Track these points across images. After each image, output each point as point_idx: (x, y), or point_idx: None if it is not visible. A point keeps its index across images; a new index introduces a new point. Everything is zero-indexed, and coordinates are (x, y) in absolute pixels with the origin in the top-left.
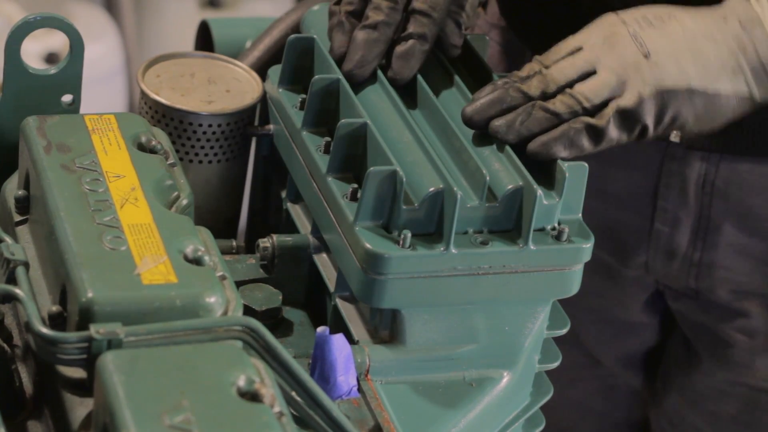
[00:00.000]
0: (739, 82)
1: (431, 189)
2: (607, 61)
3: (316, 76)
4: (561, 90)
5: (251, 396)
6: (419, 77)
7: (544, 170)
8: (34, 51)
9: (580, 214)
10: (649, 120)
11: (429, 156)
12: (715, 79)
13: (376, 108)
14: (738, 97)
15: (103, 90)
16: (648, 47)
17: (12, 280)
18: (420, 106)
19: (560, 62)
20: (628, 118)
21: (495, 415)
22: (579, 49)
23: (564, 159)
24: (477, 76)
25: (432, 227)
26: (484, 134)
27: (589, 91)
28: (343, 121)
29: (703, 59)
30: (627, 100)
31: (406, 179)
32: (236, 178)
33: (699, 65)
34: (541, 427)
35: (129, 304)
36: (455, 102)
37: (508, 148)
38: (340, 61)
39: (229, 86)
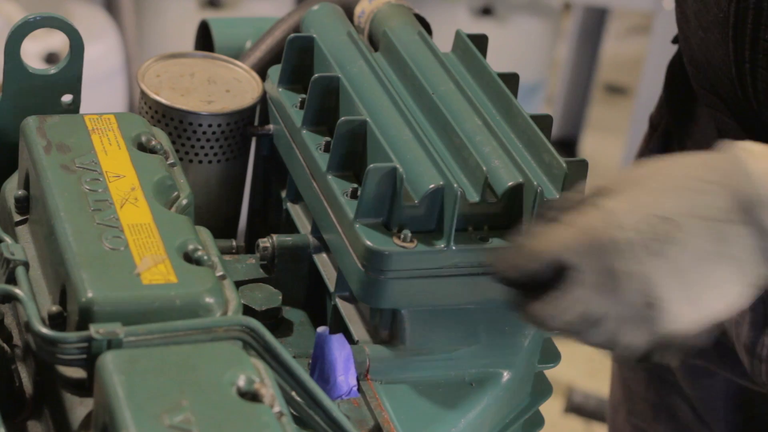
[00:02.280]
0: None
1: (431, 186)
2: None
3: (316, 75)
4: None
5: (251, 396)
6: (419, 75)
7: (544, 167)
8: (34, 51)
9: None
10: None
11: (429, 153)
12: (729, 311)
13: (375, 106)
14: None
15: (103, 90)
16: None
17: (12, 280)
18: (419, 103)
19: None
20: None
21: (495, 415)
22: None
23: None
24: (477, 74)
25: (432, 224)
26: (483, 131)
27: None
28: (343, 118)
29: (720, 295)
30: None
31: (406, 176)
32: (236, 178)
33: (714, 301)
34: (541, 428)
35: (129, 304)
36: (455, 99)
37: (508, 144)
38: None
39: (229, 86)
